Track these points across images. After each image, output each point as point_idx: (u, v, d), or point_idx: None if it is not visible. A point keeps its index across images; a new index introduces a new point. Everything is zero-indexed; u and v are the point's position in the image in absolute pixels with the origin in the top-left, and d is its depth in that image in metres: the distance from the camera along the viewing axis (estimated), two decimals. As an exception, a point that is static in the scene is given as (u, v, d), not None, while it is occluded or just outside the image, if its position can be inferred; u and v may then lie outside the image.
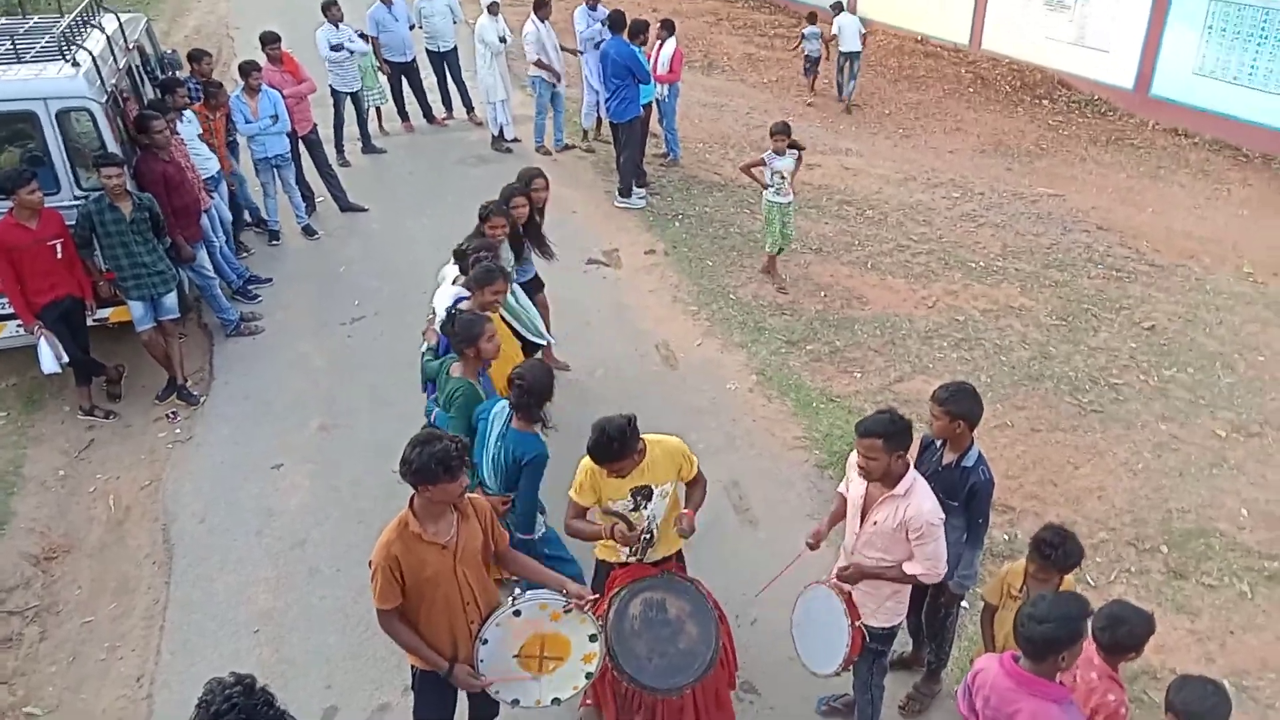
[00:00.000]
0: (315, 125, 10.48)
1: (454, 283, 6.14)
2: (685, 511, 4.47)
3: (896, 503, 4.17)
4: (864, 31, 15.62)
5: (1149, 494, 6.61)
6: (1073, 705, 3.39)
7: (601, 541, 4.61)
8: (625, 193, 10.87)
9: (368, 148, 12.28)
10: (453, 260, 6.37)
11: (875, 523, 4.26)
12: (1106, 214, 11.24)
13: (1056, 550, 4.03)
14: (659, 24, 11.52)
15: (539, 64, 11.59)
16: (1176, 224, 11.13)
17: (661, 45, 11.40)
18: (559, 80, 11.82)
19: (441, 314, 5.80)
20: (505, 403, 4.82)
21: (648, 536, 4.40)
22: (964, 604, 5.10)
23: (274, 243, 10.05)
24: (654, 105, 11.47)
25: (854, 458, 4.32)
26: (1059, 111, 15.21)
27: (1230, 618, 5.68)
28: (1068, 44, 15.79)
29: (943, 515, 4.17)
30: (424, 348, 5.91)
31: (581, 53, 11.86)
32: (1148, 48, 14.49)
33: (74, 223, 6.92)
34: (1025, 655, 3.38)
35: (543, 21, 11.55)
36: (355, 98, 11.83)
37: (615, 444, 4.18)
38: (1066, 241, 10.40)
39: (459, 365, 5.17)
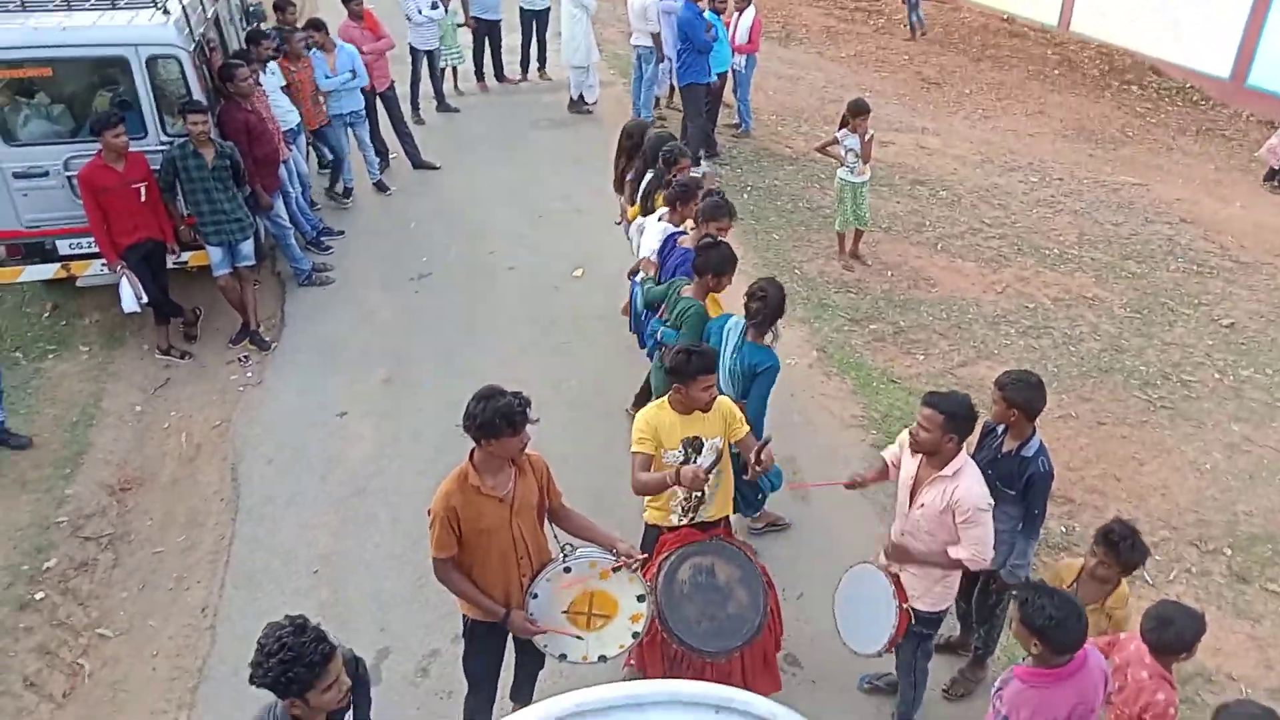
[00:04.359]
0: (393, 81, 10.56)
1: (659, 219, 6.49)
2: (766, 447, 4.45)
3: (945, 484, 4.16)
4: None
5: (1216, 495, 6.46)
6: None
7: (654, 503, 4.66)
8: (694, 162, 10.78)
9: (442, 106, 12.36)
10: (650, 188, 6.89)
11: (923, 505, 4.26)
12: (1191, 206, 10.89)
13: (1125, 541, 3.99)
14: (739, -7, 11.36)
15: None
16: (1266, 219, 10.74)
17: (740, 14, 11.27)
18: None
19: (655, 247, 6.25)
20: (736, 318, 5.31)
21: (699, 495, 4.43)
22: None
23: (346, 200, 10.11)
24: (729, 74, 11.35)
25: (904, 436, 4.32)
26: (1148, 98, 14.73)
27: (1293, 625, 5.55)
28: (1162, 28, 15.26)
29: (991, 501, 4.16)
30: (641, 277, 6.22)
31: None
32: (1248, 35, 13.94)
33: (158, 167, 7.10)
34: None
35: None
36: (431, 56, 11.92)
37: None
38: (1147, 232, 10.11)
39: (691, 287, 5.50)
